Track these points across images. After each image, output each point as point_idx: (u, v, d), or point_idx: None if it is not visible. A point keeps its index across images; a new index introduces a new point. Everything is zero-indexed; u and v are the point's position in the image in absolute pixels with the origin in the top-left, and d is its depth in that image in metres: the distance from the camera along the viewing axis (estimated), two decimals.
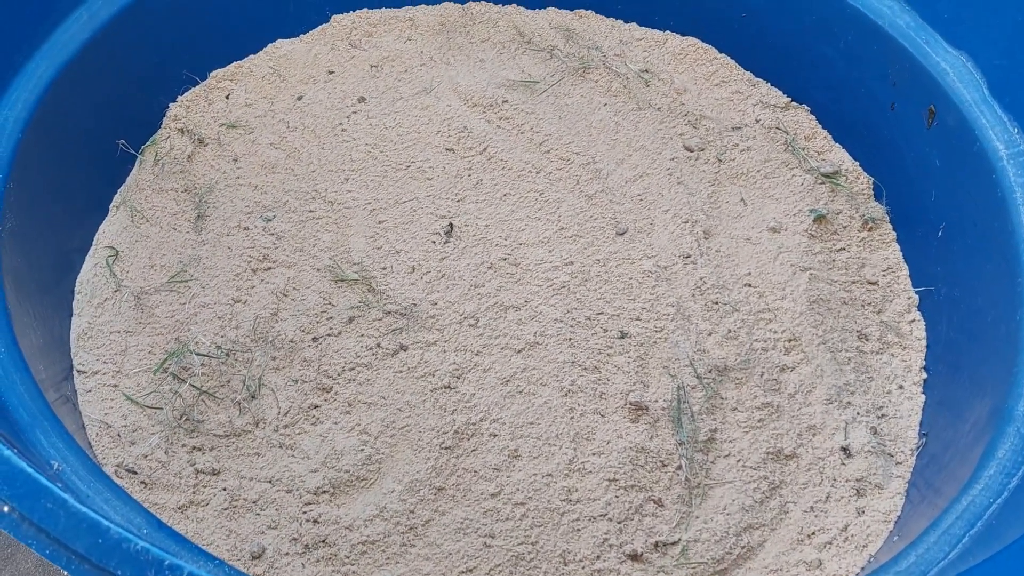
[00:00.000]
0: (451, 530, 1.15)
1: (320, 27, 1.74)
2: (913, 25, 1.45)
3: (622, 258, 1.41)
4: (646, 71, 1.67)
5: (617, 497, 1.18)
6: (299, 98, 1.62)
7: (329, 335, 1.31)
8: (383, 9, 1.77)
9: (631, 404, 1.25)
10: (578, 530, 1.16)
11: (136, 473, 1.18)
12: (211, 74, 1.65)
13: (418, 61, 1.69)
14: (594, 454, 1.21)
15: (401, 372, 1.28)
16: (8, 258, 1.22)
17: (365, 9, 1.76)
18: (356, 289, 1.36)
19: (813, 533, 1.20)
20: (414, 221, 1.44)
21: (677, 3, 1.71)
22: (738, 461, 1.23)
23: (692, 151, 1.56)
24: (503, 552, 1.14)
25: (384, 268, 1.38)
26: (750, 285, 1.40)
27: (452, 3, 1.78)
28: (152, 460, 1.19)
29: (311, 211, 1.45)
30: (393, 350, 1.29)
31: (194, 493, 1.18)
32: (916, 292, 1.44)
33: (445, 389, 1.26)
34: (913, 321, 1.42)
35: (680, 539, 1.17)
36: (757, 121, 1.61)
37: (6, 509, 0.73)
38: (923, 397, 1.34)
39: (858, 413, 1.30)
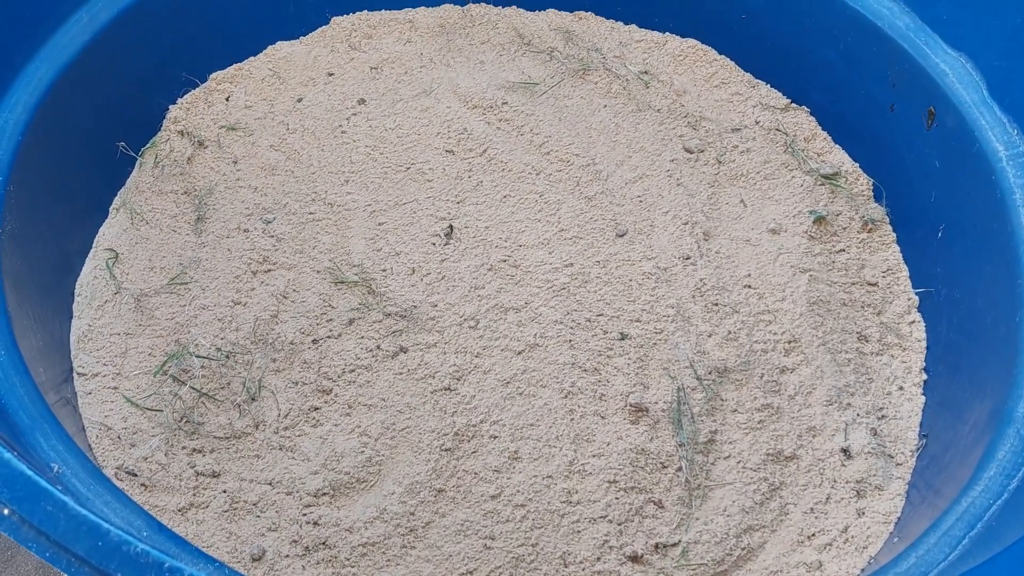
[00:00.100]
0: (451, 532, 1.15)
1: (320, 29, 1.74)
2: (913, 27, 1.45)
3: (622, 259, 1.41)
4: (646, 73, 1.67)
5: (617, 499, 1.18)
6: (299, 100, 1.62)
7: (329, 337, 1.31)
8: (383, 11, 1.77)
9: (631, 406, 1.25)
10: (578, 532, 1.16)
11: (136, 475, 1.18)
12: (211, 76, 1.65)
13: (418, 63, 1.69)
14: (594, 456, 1.21)
15: (401, 374, 1.28)
16: (8, 260, 1.22)
17: (365, 11, 1.76)
18: (356, 291, 1.36)
19: (813, 534, 1.20)
20: (414, 223, 1.44)
21: (677, 5, 1.71)
22: (738, 462, 1.23)
23: (692, 152, 1.56)
24: (503, 554, 1.14)
25: (384, 270, 1.38)
26: (750, 286, 1.40)
27: (452, 5, 1.78)
28: (152, 462, 1.19)
29: (311, 213, 1.45)
30: (393, 352, 1.29)
31: (194, 495, 1.18)
32: (916, 293, 1.44)
33: (445, 391, 1.26)
34: (913, 322, 1.42)
35: (680, 540, 1.17)
36: (757, 123, 1.61)
37: (6, 512, 0.73)
38: (923, 398, 1.34)
39: (858, 414, 1.30)
